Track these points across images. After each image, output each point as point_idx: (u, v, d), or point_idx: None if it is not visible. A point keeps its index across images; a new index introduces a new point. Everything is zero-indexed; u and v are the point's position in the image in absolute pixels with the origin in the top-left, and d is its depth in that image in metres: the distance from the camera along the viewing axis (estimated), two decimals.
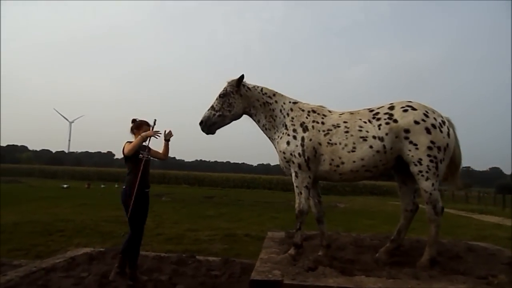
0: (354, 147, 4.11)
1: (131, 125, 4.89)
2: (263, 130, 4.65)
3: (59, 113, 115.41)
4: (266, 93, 4.60)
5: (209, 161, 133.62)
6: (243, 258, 6.09)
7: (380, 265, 4.05)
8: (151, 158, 4.90)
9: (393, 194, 38.91)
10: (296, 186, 4.30)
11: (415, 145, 3.99)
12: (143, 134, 4.60)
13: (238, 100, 4.51)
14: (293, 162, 4.26)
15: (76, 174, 49.09)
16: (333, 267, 3.74)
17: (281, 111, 4.52)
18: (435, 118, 4.06)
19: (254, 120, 4.67)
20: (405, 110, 4.11)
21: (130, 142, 4.64)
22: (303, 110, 4.46)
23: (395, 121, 4.08)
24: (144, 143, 4.70)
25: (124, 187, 4.64)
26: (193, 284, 4.50)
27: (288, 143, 4.30)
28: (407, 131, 4.01)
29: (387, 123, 4.09)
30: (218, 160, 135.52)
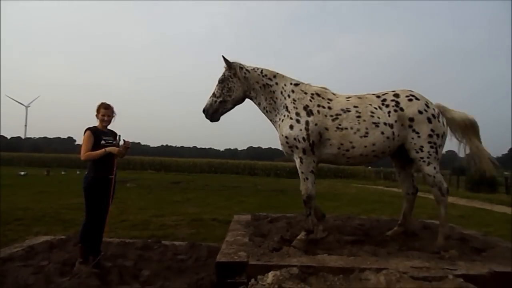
0: (366, 132, 4.16)
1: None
2: (264, 113, 4.59)
3: (12, 99, 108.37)
4: (266, 75, 4.52)
5: (175, 146, 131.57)
6: (210, 242, 6.12)
7: (342, 244, 4.22)
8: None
9: (356, 177, 40.22)
10: (302, 172, 4.26)
11: (418, 133, 4.18)
12: (108, 149, 4.32)
13: (237, 84, 4.44)
14: (297, 147, 4.21)
15: (34, 161, 46.85)
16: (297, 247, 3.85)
17: (281, 93, 4.44)
18: (434, 109, 4.30)
19: (255, 103, 4.60)
20: (410, 100, 4.28)
21: (90, 129, 4.44)
22: (305, 93, 4.38)
23: (402, 109, 4.23)
24: (112, 131, 4.59)
25: (86, 173, 4.50)
26: (159, 269, 4.48)
27: (291, 127, 4.23)
28: (411, 119, 4.19)
29: (395, 111, 4.23)
30: (185, 145, 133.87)
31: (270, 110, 4.49)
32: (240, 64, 4.51)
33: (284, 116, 4.33)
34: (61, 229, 7.33)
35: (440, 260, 3.66)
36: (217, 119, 4.51)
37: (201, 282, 4.00)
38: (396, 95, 4.34)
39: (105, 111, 4.50)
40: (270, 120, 4.58)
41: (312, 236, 4.29)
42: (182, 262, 4.81)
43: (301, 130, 4.17)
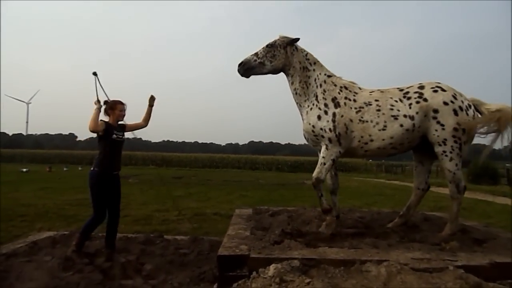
0: (385, 126, 4.20)
1: (103, 106, 4.69)
2: (293, 94, 4.62)
3: (12, 97, 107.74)
4: (308, 59, 4.58)
5: (176, 142, 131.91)
6: (212, 236, 6.15)
7: (343, 236, 4.24)
8: (127, 136, 4.86)
9: (357, 170, 40.25)
10: (323, 157, 4.30)
11: (442, 125, 4.13)
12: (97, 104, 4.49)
13: (282, 55, 4.49)
14: (323, 137, 4.29)
15: (36, 158, 46.99)
16: (298, 240, 3.87)
17: (315, 80, 4.51)
18: (462, 101, 4.21)
19: (288, 81, 4.64)
20: (435, 91, 4.23)
21: (104, 121, 4.57)
22: (335, 85, 4.47)
23: (425, 100, 4.20)
24: (119, 122, 4.70)
25: (91, 168, 4.55)
26: (161, 263, 4.51)
27: (319, 117, 4.32)
28: (436, 111, 4.14)
29: (417, 102, 4.21)
30: (186, 140, 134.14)
31: (301, 93, 4.54)
32: (292, 39, 4.53)
33: (313, 104, 4.42)
34: (64, 225, 7.37)
35: (441, 252, 3.66)
36: (247, 76, 4.54)
37: (203, 276, 4.03)
38: (421, 87, 4.33)
39: (122, 106, 4.72)
40: (297, 103, 4.63)
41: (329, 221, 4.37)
42: (184, 256, 4.83)
43: (328, 121, 4.27)
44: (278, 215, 5.36)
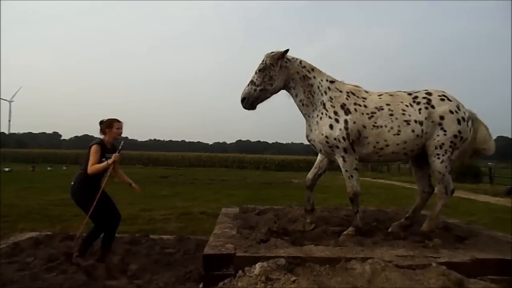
0: (399, 130, 4.20)
1: (99, 126, 4.65)
2: (299, 106, 4.50)
3: None
4: (305, 67, 4.45)
5: (163, 141, 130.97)
6: (198, 235, 6.12)
7: (328, 234, 4.27)
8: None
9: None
10: (346, 170, 4.25)
11: (445, 131, 4.22)
12: (109, 161, 4.42)
13: (278, 73, 4.33)
14: (338, 147, 4.20)
15: (18, 157, 46.03)
16: (284, 239, 3.88)
17: (318, 88, 4.39)
18: (464, 112, 4.35)
19: (292, 95, 4.50)
20: (442, 99, 4.32)
21: (98, 144, 4.47)
22: (341, 91, 4.38)
23: (433, 107, 4.26)
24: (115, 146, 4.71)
25: (72, 183, 4.50)
26: (146, 263, 4.47)
27: (331, 126, 4.21)
28: (442, 118, 4.23)
29: (426, 108, 4.26)
30: (173, 139, 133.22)
31: (307, 104, 4.43)
32: (281, 52, 4.38)
33: (322, 114, 4.31)
34: (47, 226, 7.24)
35: (424, 249, 3.73)
36: (254, 108, 4.39)
37: (189, 275, 4.01)
38: (429, 93, 4.39)
39: (119, 124, 4.67)
40: (304, 115, 4.52)
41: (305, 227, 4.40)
42: (170, 256, 4.81)
43: (340, 129, 4.18)
44: (265, 214, 5.36)
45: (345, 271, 3.24)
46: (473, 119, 4.49)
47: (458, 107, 4.33)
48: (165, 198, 12.43)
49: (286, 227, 4.51)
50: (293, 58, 4.46)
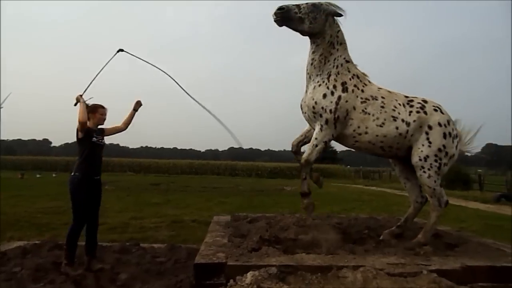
0: (383, 123, 4.26)
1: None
2: (308, 63, 4.52)
3: None
4: (338, 37, 4.48)
5: (155, 148, 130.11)
6: (190, 244, 6.06)
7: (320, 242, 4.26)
8: (106, 138, 4.78)
9: (336, 176, 40.70)
10: (315, 138, 4.29)
11: (430, 142, 4.26)
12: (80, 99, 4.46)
13: (322, 21, 4.31)
14: (321, 116, 4.27)
15: (7, 164, 45.15)
16: (276, 247, 3.87)
17: (334, 60, 4.44)
18: (452, 129, 4.40)
19: (311, 48, 4.48)
20: (435, 110, 4.38)
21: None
22: (349, 71, 4.46)
23: (425, 113, 4.32)
24: (99, 126, 4.65)
25: (71, 174, 4.47)
26: (137, 272, 4.40)
27: (324, 95, 4.28)
28: (430, 127, 4.28)
29: (418, 112, 4.32)
30: (165, 147, 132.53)
31: (316, 66, 4.46)
32: (337, 11, 4.38)
33: (323, 82, 4.38)
34: (36, 234, 7.11)
35: (415, 256, 3.75)
36: (281, 25, 4.30)
37: (180, 284, 3.95)
38: (424, 101, 4.46)
39: (103, 110, 4.68)
40: (307, 74, 4.56)
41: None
42: (161, 265, 4.75)
43: (331, 102, 4.25)
44: (257, 222, 5.34)
45: (337, 279, 3.24)
46: (459, 137, 4.55)
47: (448, 121, 4.39)
48: (157, 206, 12.32)
49: (277, 235, 4.49)
50: (337, 24, 4.49)
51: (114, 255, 5.01)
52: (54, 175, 30.54)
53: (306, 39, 4.51)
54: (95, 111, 4.63)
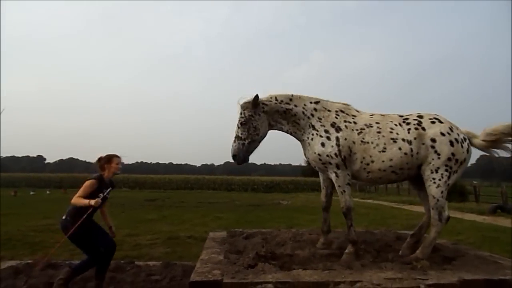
0: (384, 147, 4.26)
1: (98, 163, 4.56)
2: (289, 134, 4.58)
3: None
4: (282, 101, 4.47)
5: (150, 163, 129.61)
6: (186, 261, 5.99)
7: (317, 257, 4.23)
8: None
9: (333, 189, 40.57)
10: (339, 186, 4.31)
11: (438, 154, 4.23)
12: (93, 203, 4.07)
13: (261, 121, 4.35)
14: (330, 163, 4.27)
15: (1, 181, 44.78)
16: (272, 263, 3.83)
17: (303, 113, 4.46)
18: (458, 134, 4.36)
19: (278, 130, 4.56)
20: (433, 122, 4.37)
21: (95, 179, 4.32)
22: (329, 110, 4.47)
23: (423, 128, 4.31)
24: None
25: (64, 217, 4.25)
26: None
27: (323, 144, 4.29)
28: (433, 140, 4.26)
29: (416, 128, 4.32)
30: (160, 162, 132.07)
31: (295, 131, 4.52)
32: (253, 99, 4.35)
33: (313, 134, 4.40)
34: (28, 253, 6.99)
35: (413, 271, 3.72)
36: (247, 160, 4.43)
37: None
38: (420, 116, 4.47)
39: (118, 159, 4.59)
40: (297, 139, 4.61)
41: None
42: (156, 283, 4.68)
43: (332, 146, 4.27)
44: (253, 238, 5.30)
45: None
46: (470, 138, 4.50)
47: (450, 129, 4.36)
48: (152, 222, 12.20)
49: (274, 251, 4.46)
50: (268, 99, 4.47)
51: (108, 274, 4.89)
52: (48, 192, 30.15)
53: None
54: (111, 162, 4.55)
